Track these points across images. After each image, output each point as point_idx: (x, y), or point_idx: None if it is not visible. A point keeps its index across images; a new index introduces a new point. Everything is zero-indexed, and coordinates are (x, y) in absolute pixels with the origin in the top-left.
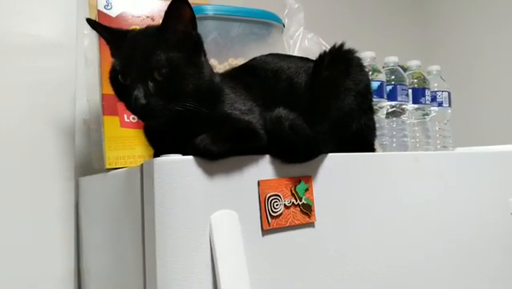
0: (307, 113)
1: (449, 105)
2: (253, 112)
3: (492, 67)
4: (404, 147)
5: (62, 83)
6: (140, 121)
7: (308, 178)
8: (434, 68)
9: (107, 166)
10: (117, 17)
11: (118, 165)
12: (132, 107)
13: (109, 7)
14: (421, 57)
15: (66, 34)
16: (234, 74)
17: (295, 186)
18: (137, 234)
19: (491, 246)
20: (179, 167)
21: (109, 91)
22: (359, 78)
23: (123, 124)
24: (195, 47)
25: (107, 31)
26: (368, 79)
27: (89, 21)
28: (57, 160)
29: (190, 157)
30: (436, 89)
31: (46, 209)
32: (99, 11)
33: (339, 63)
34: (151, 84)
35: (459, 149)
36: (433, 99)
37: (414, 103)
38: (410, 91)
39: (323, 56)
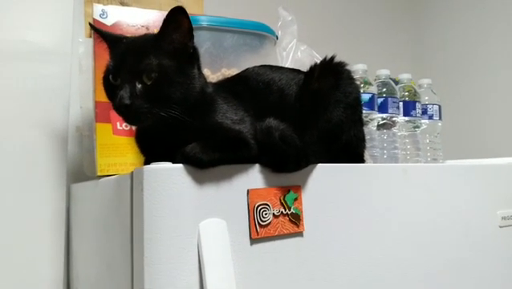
0: (297, 124)
1: (440, 118)
2: (244, 122)
3: (483, 81)
4: (394, 159)
5: (57, 89)
6: (125, 122)
7: (297, 188)
8: (425, 82)
9: (99, 173)
10: (112, 25)
11: (109, 172)
12: (116, 107)
13: (104, 16)
14: (412, 70)
15: (62, 41)
16: (227, 84)
17: (284, 196)
18: (126, 241)
19: (479, 258)
20: (168, 175)
21: (102, 98)
22: (348, 90)
23: (115, 132)
24: (189, 58)
25: (108, 36)
26: (358, 91)
27: (92, 26)
28: (49, 167)
29: (180, 165)
30: (427, 102)
31: (36, 216)
32: (94, 20)
33: (330, 76)
34: (138, 86)
35: (449, 162)
36: (424, 112)
37: (405, 115)
38: (401, 103)
39: (313, 68)
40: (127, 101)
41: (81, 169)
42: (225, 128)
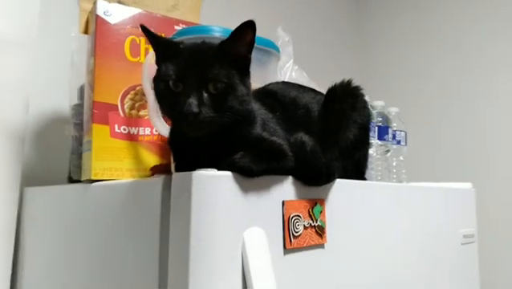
0: (321, 140)
1: (406, 144)
2: (279, 135)
3: (440, 111)
4: (369, 179)
5: (14, 84)
6: (185, 130)
7: (322, 201)
8: (393, 110)
9: (93, 177)
10: (115, 24)
11: (104, 177)
12: (182, 113)
13: (109, 14)
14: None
15: (24, 32)
16: (259, 97)
17: (312, 208)
18: (149, 247)
19: (442, 274)
20: (217, 182)
21: (101, 98)
22: (363, 112)
23: (113, 135)
24: (247, 70)
25: (157, 39)
26: (370, 114)
27: (143, 28)
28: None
29: (228, 173)
30: (395, 128)
31: None
32: (97, 16)
33: (349, 98)
34: (205, 95)
35: (413, 184)
36: (393, 137)
37: (379, 139)
38: (376, 128)
39: (333, 90)
40: (196, 109)
41: (39, 172)
42: (267, 139)
